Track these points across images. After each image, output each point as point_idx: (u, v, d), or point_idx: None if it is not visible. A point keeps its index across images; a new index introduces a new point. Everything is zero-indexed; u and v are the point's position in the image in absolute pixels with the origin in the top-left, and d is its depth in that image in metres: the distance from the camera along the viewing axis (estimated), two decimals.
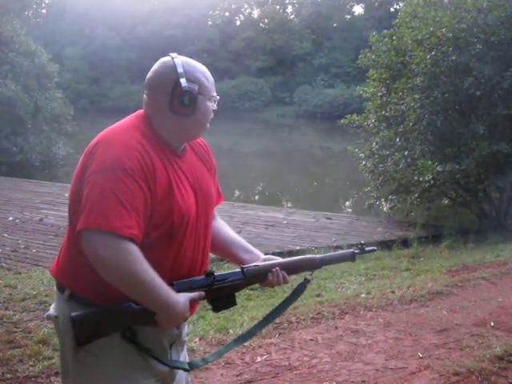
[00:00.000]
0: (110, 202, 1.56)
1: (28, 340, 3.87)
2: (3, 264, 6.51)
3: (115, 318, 1.65)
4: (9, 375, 3.36)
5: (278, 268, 1.85)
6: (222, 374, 3.38)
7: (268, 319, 2.00)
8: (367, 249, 2.01)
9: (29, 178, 13.07)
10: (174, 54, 1.74)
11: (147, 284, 1.58)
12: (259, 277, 1.84)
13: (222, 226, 2.03)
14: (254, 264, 1.86)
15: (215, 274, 1.77)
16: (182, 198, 1.70)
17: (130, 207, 1.57)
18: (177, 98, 1.68)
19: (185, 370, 1.85)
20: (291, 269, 1.89)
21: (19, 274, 6.03)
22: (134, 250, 1.58)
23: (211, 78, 1.78)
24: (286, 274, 1.86)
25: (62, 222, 8.14)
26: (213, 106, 1.79)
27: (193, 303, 1.73)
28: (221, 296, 1.79)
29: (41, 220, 8.81)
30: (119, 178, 1.58)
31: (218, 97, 1.81)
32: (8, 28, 15.71)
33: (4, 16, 15.98)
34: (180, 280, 1.72)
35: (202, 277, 1.75)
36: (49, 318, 1.82)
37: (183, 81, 1.67)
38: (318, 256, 1.96)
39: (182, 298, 1.67)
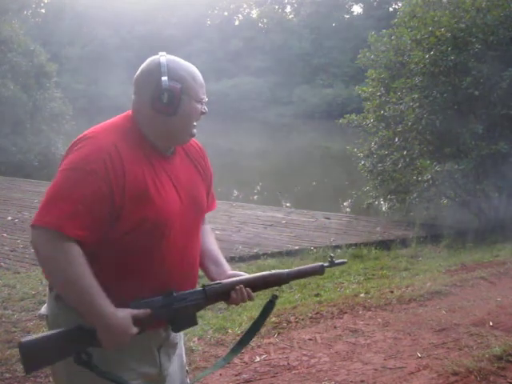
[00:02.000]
0: (64, 201, 1.57)
1: None
2: (2, 263, 6.51)
3: (65, 343, 1.62)
4: (8, 375, 3.36)
5: (241, 286, 1.80)
6: (220, 374, 3.38)
7: (242, 343, 1.96)
8: (337, 261, 1.97)
9: (28, 178, 13.06)
10: (162, 53, 1.73)
11: (80, 288, 1.55)
12: (221, 295, 1.80)
13: (206, 233, 1.98)
14: (217, 282, 1.82)
15: (174, 294, 1.73)
16: (162, 201, 1.68)
17: (84, 208, 1.56)
18: (157, 96, 1.67)
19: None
20: (257, 285, 1.85)
21: (18, 273, 6.03)
22: (76, 253, 1.56)
23: (200, 79, 1.74)
24: (250, 291, 1.82)
25: None
26: (201, 108, 1.75)
27: (148, 320, 1.67)
28: (181, 316, 1.75)
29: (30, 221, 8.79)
30: (78, 178, 1.58)
31: (207, 99, 1.78)
32: (7, 28, 15.69)
33: (3, 16, 15.94)
34: (138, 300, 1.67)
35: (160, 297, 1.70)
36: (40, 316, 1.84)
37: (164, 78, 1.65)
38: (284, 271, 1.90)
39: (122, 312, 1.61)
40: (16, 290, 5.16)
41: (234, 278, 1.84)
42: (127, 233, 1.63)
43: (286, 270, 1.91)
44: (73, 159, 1.62)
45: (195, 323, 1.80)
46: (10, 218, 8.87)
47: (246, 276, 1.86)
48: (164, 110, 1.68)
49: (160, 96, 1.66)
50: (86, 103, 33.43)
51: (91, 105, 33.60)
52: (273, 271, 1.90)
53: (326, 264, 1.96)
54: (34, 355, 1.60)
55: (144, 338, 1.71)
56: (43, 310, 1.81)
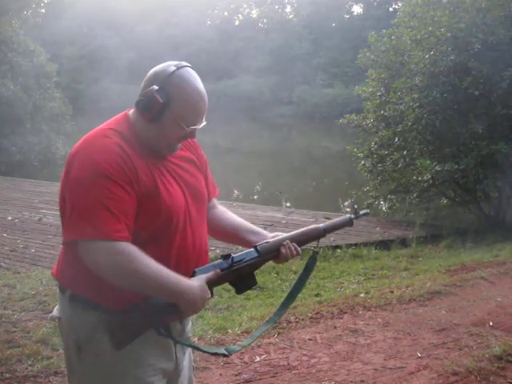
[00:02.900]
0: (97, 210, 1.58)
1: (27, 340, 3.87)
2: (2, 264, 6.50)
3: (148, 316, 1.68)
4: (8, 375, 3.36)
5: (288, 241, 1.88)
6: (220, 374, 3.38)
7: (291, 297, 2.02)
8: (361, 212, 2.06)
9: (28, 178, 13.07)
10: (183, 64, 1.71)
11: (153, 277, 1.60)
12: (273, 252, 1.87)
13: (224, 212, 2.04)
14: (265, 241, 1.89)
15: (232, 255, 1.80)
16: (170, 196, 1.71)
17: (118, 212, 1.59)
18: (142, 97, 1.68)
19: (224, 355, 1.88)
20: (300, 240, 1.92)
21: (18, 273, 6.03)
22: (131, 250, 1.59)
23: (200, 107, 1.71)
24: (297, 246, 1.90)
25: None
26: (184, 133, 1.72)
27: (218, 282, 1.75)
28: (241, 277, 1.82)
29: (40, 220, 8.80)
30: (101, 185, 1.59)
31: (201, 126, 1.75)
32: (7, 28, 15.69)
33: (3, 16, 15.93)
34: (200, 267, 1.75)
35: (220, 260, 1.78)
36: (52, 319, 1.84)
37: (154, 86, 1.66)
38: (320, 225, 1.99)
39: (197, 281, 1.68)
40: (16, 290, 5.16)
41: (280, 236, 1.91)
42: (144, 227, 1.67)
43: (322, 225, 1.99)
44: (84, 167, 1.62)
45: (255, 283, 1.88)
46: (10, 217, 8.87)
47: (290, 233, 1.93)
48: (141, 113, 1.69)
49: (143, 99, 1.67)
50: (85, 103, 33.43)
51: (91, 105, 33.58)
52: (310, 226, 1.99)
53: (352, 216, 2.03)
54: (121, 331, 1.65)
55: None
56: (55, 312, 1.82)
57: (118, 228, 1.58)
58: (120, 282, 1.61)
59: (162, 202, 1.68)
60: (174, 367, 1.83)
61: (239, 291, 1.86)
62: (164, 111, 1.67)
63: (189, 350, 1.96)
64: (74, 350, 1.72)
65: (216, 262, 1.78)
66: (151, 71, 1.72)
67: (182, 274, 1.71)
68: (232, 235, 2.01)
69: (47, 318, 4.07)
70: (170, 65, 1.70)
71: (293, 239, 1.90)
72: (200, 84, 1.72)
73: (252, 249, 1.86)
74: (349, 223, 2.03)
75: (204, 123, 1.76)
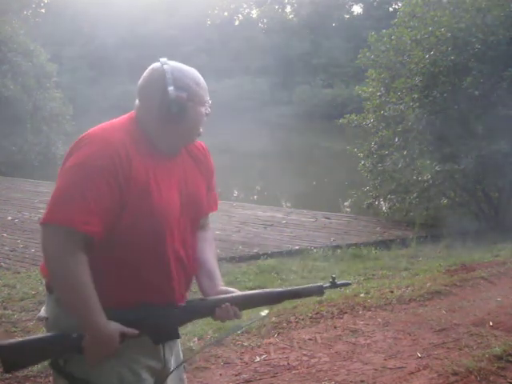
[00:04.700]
0: (74, 198, 1.58)
1: None
2: (2, 264, 6.51)
3: (46, 347, 1.65)
4: (8, 375, 3.36)
5: (227, 304, 1.78)
6: (220, 374, 3.38)
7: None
8: (339, 282, 1.90)
9: (28, 178, 13.07)
10: (163, 60, 1.73)
11: (83, 295, 1.57)
12: (205, 312, 1.80)
13: (204, 242, 1.95)
14: (201, 298, 1.82)
15: (157, 308, 1.72)
16: (162, 200, 1.69)
17: (95, 205, 1.58)
18: (165, 106, 1.67)
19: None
20: (244, 304, 1.83)
21: (18, 273, 6.03)
22: (83, 259, 1.58)
23: (203, 82, 1.76)
24: (236, 310, 1.80)
25: None
26: (206, 110, 1.78)
27: (132, 337, 1.68)
28: (162, 330, 1.74)
29: (39, 220, 8.80)
30: (87, 175, 1.59)
31: (211, 101, 1.80)
32: (7, 28, 15.70)
33: (3, 16, 15.97)
34: (122, 310, 1.67)
35: (142, 309, 1.70)
36: (39, 319, 1.83)
37: (171, 89, 1.66)
38: (275, 290, 1.89)
39: (113, 325, 1.63)
40: (16, 290, 5.16)
41: (221, 296, 1.81)
42: (129, 227, 1.64)
43: (279, 290, 1.88)
44: (80, 156, 1.63)
45: (177, 337, 1.80)
46: (10, 217, 8.87)
47: (234, 294, 1.82)
48: (172, 119, 1.70)
49: (167, 106, 1.67)
50: (86, 103, 33.39)
51: (91, 105, 33.55)
52: (263, 290, 1.88)
53: (326, 284, 1.89)
54: (12, 357, 1.63)
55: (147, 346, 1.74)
56: (42, 312, 1.81)
57: (88, 220, 1.57)
58: (50, 278, 1.62)
59: (152, 205, 1.66)
60: (162, 367, 1.82)
61: (155, 342, 1.75)
62: (187, 104, 1.69)
63: (177, 348, 1.94)
64: None
65: (136, 309, 1.69)
66: (146, 82, 1.73)
67: (165, 284, 1.71)
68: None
69: None
70: (157, 67, 1.71)
71: (237, 302, 1.80)
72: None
73: (183, 304, 1.78)
74: (317, 292, 1.90)
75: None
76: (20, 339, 1.68)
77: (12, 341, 1.67)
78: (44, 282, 1.85)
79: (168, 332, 1.76)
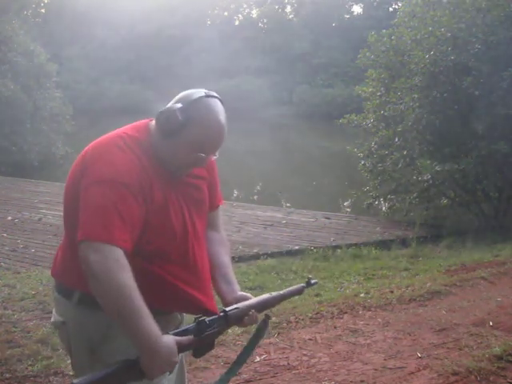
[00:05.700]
0: (111, 215, 1.56)
1: (27, 340, 3.86)
2: (2, 263, 6.51)
3: (116, 379, 1.54)
4: (7, 375, 3.36)
5: (253, 311, 1.82)
6: (220, 374, 3.37)
7: (239, 363, 1.98)
8: (312, 281, 2.09)
9: (28, 178, 13.07)
10: (211, 93, 1.72)
11: (133, 309, 1.50)
12: (238, 320, 1.81)
13: (219, 244, 1.96)
14: (235, 307, 1.80)
15: (206, 320, 1.70)
16: (176, 214, 1.71)
17: (129, 222, 1.58)
18: (163, 112, 1.68)
19: None
20: (261, 308, 1.88)
21: (18, 273, 6.03)
22: (126, 263, 1.55)
23: (216, 137, 1.70)
24: (257, 315, 1.85)
25: (61, 221, 8.03)
26: (196, 160, 1.71)
27: (188, 347, 1.65)
28: (206, 342, 1.73)
29: (40, 220, 8.81)
30: (120, 192, 1.58)
31: (215, 157, 1.77)
32: (7, 28, 15.69)
33: (3, 16, 15.93)
34: (175, 329, 1.67)
35: (193, 325, 1.67)
36: (55, 325, 1.81)
37: (178, 104, 1.66)
38: (275, 294, 1.97)
39: (167, 338, 1.56)
40: (16, 290, 5.15)
41: (249, 302, 1.84)
42: (149, 242, 1.66)
43: (276, 293, 1.98)
44: (104, 171, 1.61)
45: (213, 347, 1.80)
46: (10, 217, 8.87)
47: (255, 300, 1.87)
48: (159, 126, 1.69)
49: (164, 113, 1.67)
50: (86, 103, 33.39)
51: (91, 105, 33.56)
52: (271, 293, 1.96)
53: (305, 285, 2.08)
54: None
55: (162, 323, 1.68)
56: (57, 317, 1.79)
57: (126, 238, 1.57)
58: (98, 289, 1.53)
59: (169, 220, 1.69)
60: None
61: (197, 355, 1.74)
62: (181, 131, 1.66)
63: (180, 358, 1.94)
64: (87, 353, 1.70)
65: (189, 325, 1.67)
66: (182, 92, 1.73)
67: (183, 294, 1.72)
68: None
69: (47, 318, 4.06)
70: (200, 91, 1.71)
71: (257, 307, 1.84)
72: (223, 118, 1.71)
73: (222, 314, 1.76)
74: (300, 292, 2.07)
75: (216, 156, 1.77)
76: (90, 377, 1.50)
77: (86, 379, 1.50)
78: (55, 284, 1.83)
79: (210, 343, 1.75)
